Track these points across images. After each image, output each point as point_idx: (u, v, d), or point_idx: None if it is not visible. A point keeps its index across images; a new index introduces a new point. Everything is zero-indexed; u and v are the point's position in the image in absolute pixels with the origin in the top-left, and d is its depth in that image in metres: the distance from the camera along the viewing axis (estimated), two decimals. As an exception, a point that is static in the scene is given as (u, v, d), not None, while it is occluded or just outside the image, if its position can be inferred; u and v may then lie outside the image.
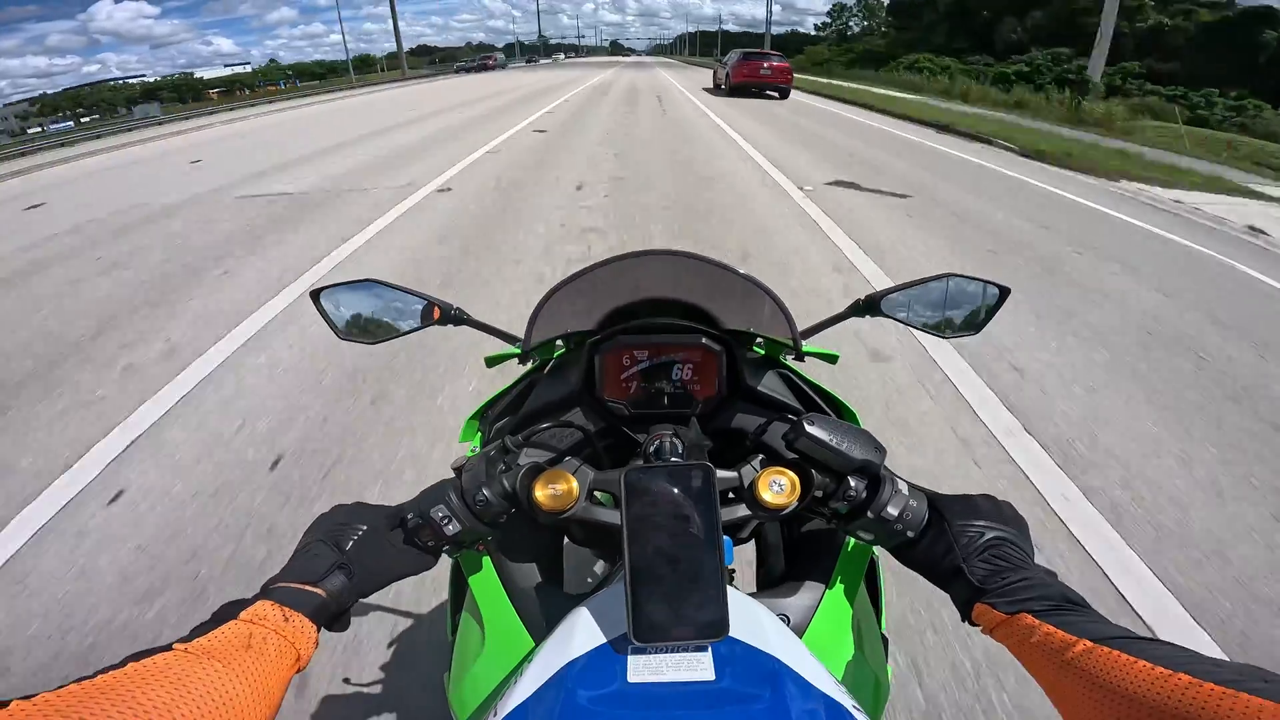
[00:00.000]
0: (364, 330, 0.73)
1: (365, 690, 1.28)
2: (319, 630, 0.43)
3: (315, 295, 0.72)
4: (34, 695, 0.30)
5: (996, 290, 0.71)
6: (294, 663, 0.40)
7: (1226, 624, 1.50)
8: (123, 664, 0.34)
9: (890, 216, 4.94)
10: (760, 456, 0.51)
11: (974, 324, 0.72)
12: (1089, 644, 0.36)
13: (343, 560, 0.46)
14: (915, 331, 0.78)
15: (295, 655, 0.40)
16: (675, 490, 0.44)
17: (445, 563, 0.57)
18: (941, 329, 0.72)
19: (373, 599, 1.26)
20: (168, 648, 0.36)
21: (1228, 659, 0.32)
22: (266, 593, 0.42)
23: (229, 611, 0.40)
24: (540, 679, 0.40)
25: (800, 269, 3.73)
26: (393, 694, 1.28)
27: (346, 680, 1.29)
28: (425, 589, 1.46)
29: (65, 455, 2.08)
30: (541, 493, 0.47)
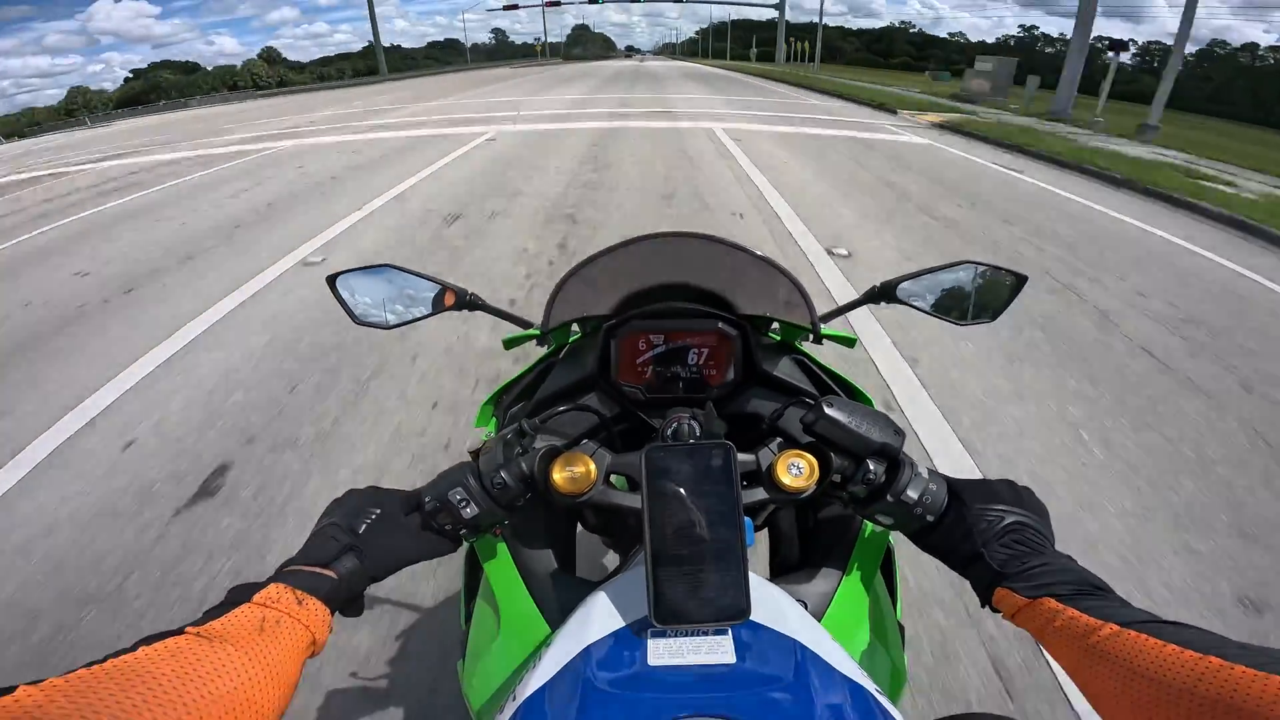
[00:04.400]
0: (379, 315, 0.74)
1: (373, 683, 1.27)
2: (333, 614, 0.42)
3: (331, 281, 0.72)
4: (41, 681, 0.29)
5: (1014, 277, 0.70)
6: (309, 646, 0.39)
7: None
8: (133, 648, 0.33)
9: None
10: (778, 440, 0.50)
11: (990, 311, 0.71)
12: (1116, 628, 0.35)
13: (354, 543, 0.45)
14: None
15: (310, 639, 0.39)
16: (696, 470, 0.43)
17: (458, 552, 0.57)
18: (957, 316, 0.71)
19: (381, 591, 1.25)
20: (179, 631, 0.35)
21: (1255, 644, 0.32)
22: (279, 575, 0.42)
23: (241, 595, 0.39)
24: (559, 663, 0.40)
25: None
26: (402, 686, 1.27)
27: (354, 674, 1.28)
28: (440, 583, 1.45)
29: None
30: (559, 475, 0.47)
